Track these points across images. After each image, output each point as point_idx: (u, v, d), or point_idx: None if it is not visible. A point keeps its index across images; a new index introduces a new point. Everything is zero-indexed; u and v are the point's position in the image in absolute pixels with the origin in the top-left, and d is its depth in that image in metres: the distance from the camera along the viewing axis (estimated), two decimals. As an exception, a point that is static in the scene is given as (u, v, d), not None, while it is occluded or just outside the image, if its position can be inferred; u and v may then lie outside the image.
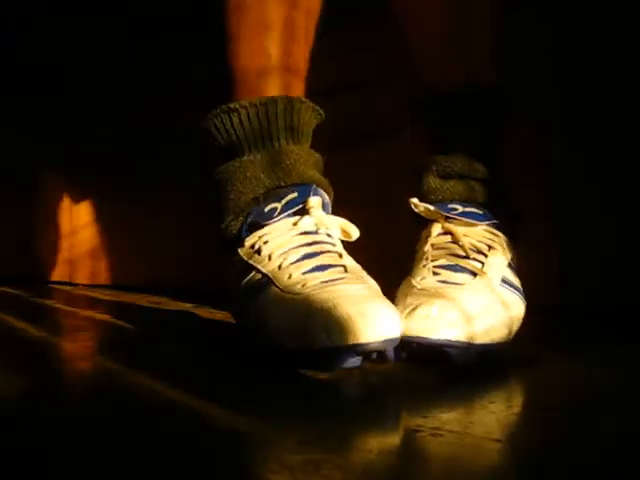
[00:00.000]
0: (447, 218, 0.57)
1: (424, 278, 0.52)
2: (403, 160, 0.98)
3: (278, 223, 0.54)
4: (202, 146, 0.63)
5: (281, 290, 0.48)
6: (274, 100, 0.57)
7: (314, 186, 0.57)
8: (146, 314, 0.91)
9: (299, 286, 0.47)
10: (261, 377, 0.47)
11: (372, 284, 0.49)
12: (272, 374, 0.47)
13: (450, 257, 0.54)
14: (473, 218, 0.57)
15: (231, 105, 0.57)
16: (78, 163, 1.50)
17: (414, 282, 0.52)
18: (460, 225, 0.57)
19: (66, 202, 1.54)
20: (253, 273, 0.52)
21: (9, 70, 1.59)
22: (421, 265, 0.54)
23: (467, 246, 0.54)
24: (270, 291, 0.49)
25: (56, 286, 1.46)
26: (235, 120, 0.57)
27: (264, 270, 0.51)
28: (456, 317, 0.47)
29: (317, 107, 0.61)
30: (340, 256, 0.51)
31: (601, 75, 0.84)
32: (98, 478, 0.27)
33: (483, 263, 0.53)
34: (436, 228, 0.57)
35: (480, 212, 0.58)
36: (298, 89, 0.62)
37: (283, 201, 0.55)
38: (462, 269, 0.52)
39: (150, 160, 1.34)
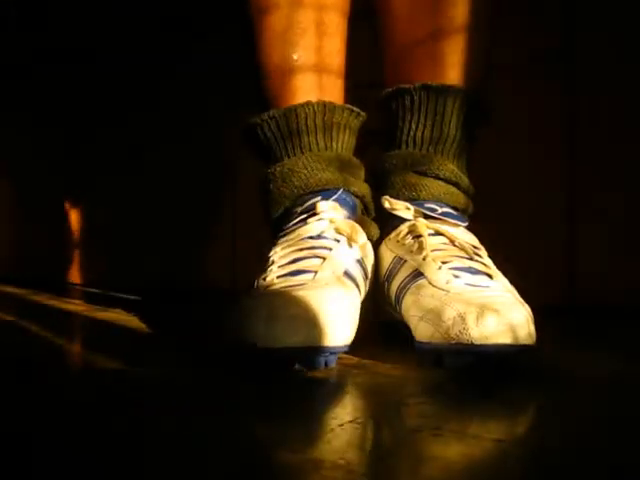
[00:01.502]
0: (427, 217, 0.57)
1: (449, 282, 0.50)
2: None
3: (290, 227, 0.56)
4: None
5: (251, 290, 0.51)
6: (293, 109, 0.58)
7: (340, 190, 0.58)
8: (145, 314, 0.91)
9: (262, 289, 0.49)
10: (261, 377, 0.47)
11: (335, 292, 0.48)
12: (272, 374, 0.47)
13: (459, 259, 0.53)
14: (452, 218, 0.58)
15: (255, 119, 0.60)
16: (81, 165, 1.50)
17: (440, 285, 0.50)
18: (444, 225, 0.57)
19: (66, 203, 1.54)
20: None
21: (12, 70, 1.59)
22: (434, 267, 0.52)
23: (469, 248, 0.54)
24: (248, 291, 0.51)
25: (57, 286, 1.45)
26: (261, 133, 0.60)
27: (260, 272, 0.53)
28: (524, 320, 0.46)
29: (354, 108, 0.62)
30: (323, 260, 0.52)
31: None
32: (98, 478, 0.27)
33: (486, 264, 0.53)
34: (412, 227, 0.57)
35: (455, 213, 0.59)
36: (333, 87, 0.62)
37: (305, 205, 0.57)
38: (476, 271, 0.52)
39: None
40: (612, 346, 0.62)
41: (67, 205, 1.54)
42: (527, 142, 0.92)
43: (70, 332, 0.76)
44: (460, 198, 0.60)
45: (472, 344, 0.45)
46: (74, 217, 1.52)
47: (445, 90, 0.59)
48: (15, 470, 0.28)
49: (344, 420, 0.35)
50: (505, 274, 0.54)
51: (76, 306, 1.03)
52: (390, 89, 0.62)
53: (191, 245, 1.29)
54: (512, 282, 0.53)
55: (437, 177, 0.59)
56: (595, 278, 0.86)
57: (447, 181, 0.59)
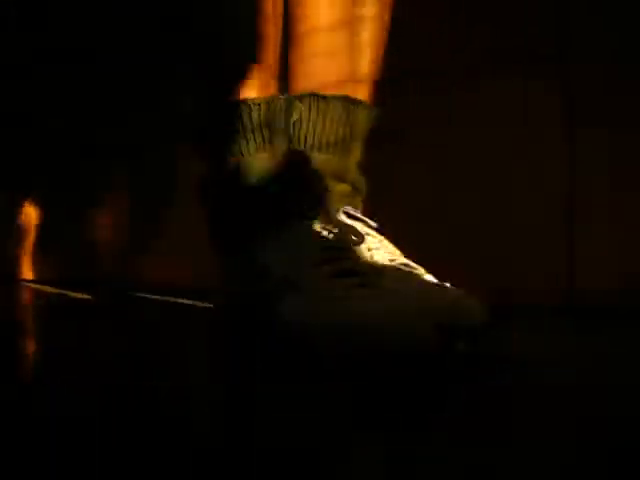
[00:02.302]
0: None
1: None
2: (406, 163, 0.98)
3: (294, 227, 0.55)
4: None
5: (316, 292, 0.48)
6: (273, 100, 0.57)
7: (320, 192, 0.58)
8: (148, 314, 0.91)
9: (339, 290, 0.48)
10: (261, 377, 0.47)
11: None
12: (272, 374, 0.47)
13: None
14: None
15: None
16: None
17: None
18: None
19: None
20: (274, 274, 0.52)
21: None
22: None
23: None
24: (303, 293, 0.49)
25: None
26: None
27: (289, 272, 0.51)
28: None
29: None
30: (357, 261, 0.52)
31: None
32: (98, 478, 0.27)
33: None
34: None
35: None
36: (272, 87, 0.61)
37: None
38: None
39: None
40: (612, 347, 0.62)
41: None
42: (527, 141, 0.92)
43: (58, 330, 0.76)
44: None
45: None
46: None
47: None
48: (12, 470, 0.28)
49: (344, 420, 0.35)
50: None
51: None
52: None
53: (192, 245, 1.29)
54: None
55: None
56: (595, 279, 0.86)
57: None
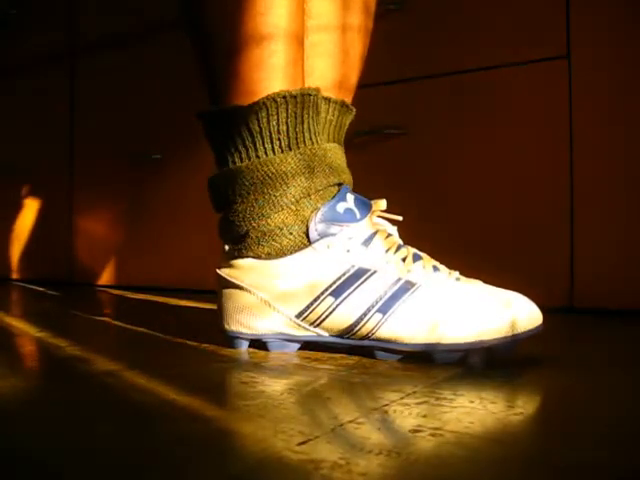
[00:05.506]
0: None
1: None
2: (410, 160, 0.99)
3: (365, 223, 0.55)
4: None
5: (425, 287, 0.52)
6: (307, 94, 0.55)
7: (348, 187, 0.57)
8: (148, 315, 0.91)
9: (450, 280, 0.52)
10: (260, 377, 0.47)
11: None
12: (271, 375, 0.47)
13: None
14: None
15: (271, 97, 0.53)
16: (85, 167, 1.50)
17: None
18: None
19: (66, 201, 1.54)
20: (374, 273, 0.52)
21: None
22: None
23: None
24: (416, 289, 0.52)
25: (56, 286, 1.45)
26: (273, 113, 0.53)
27: (397, 271, 0.53)
28: None
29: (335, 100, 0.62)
30: (421, 259, 0.55)
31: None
32: (98, 479, 0.27)
33: None
34: None
35: None
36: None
37: (350, 201, 0.55)
38: None
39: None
40: (611, 349, 0.62)
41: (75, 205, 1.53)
42: (527, 142, 0.92)
43: (69, 332, 0.76)
44: None
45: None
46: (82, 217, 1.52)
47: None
48: (12, 470, 0.28)
49: (344, 420, 0.35)
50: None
51: (78, 306, 1.03)
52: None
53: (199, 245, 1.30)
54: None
55: None
56: (594, 280, 0.86)
57: None
